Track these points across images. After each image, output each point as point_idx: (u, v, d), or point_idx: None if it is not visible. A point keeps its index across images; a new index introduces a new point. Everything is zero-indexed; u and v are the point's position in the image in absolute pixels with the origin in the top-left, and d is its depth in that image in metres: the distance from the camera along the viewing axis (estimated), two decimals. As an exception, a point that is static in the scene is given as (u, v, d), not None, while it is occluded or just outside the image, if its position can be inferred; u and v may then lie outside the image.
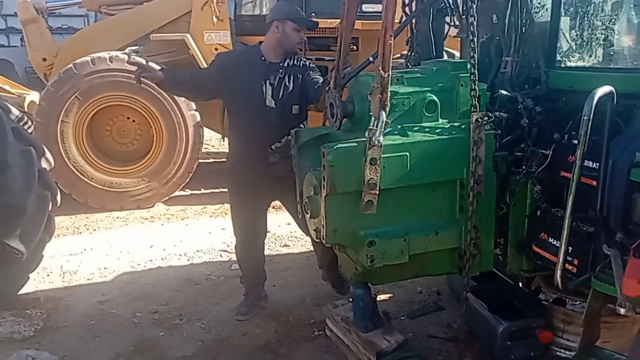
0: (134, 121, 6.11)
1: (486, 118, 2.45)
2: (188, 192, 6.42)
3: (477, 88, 2.47)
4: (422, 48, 3.43)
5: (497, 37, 2.83)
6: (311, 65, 3.58)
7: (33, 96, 6.20)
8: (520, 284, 3.48)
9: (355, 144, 2.36)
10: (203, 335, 3.42)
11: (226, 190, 6.40)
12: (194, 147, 6.02)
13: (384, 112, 2.24)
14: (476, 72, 2.47)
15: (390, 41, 2.25)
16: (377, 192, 2.29)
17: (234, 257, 4.54)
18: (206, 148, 7.61)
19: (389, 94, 2.26)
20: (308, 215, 2.56)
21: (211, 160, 7.81)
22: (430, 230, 2.52)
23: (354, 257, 2.57)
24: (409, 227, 2.49)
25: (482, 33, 2.95)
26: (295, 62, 3.46)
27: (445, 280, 3.89)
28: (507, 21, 2.76)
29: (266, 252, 4.61)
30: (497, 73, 2.83)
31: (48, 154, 3.64)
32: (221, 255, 4.67)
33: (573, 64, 2.71)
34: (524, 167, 2.61)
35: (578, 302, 3.01)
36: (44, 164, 3.51)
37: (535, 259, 2.64)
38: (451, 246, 2.61)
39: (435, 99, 2.52)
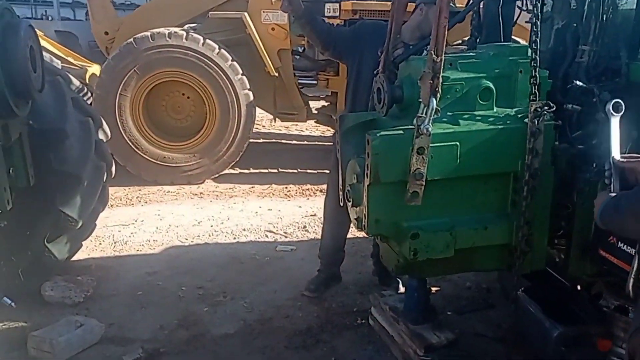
0: (188, 97, 6.17)
1: (546, 108, 2.28)
2: (237, 170, 6.45)
3: (537, 75, 2.30)
4: (489, 34, 3.26)
5: (575, 24, 2.64)
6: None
7: (94, 69, 6.34)
8: (579, 288, 3.32)
9: (401, 132, 2.23)
10: (245, 314, 3.42)
11: (274, 170, 6.58)
12: (246, 127, 6.03)
13: (434, 99, 2.10)
14: (537, 57, 2.29)
15: (444, 23, 2.10)
16: (424, 183, 2.17)
17: (280, 238, 4.58)
18: (257, 128, 7.63)
19: (440, 79, 2.12)
20: (350, 204, 2.46)
21: (262, 140, 7.82)
22: (479, 225, 2.39)
23: (396, 249, 2.46)
24: (456, 220, 2.36)
25: (558, 19, 2.77)
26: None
27: (496, 277, 3.74)
28: (586, 7, 2.57)
29: (311, 237, 4.63)
30: (572, 62, 2.65)
31: (105, 126, 3.70)
32: (267, 236, 4.66)
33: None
34: (595, 165, 2.44)
35: (642, 312, 2.81)
36: (101, 136, 3.57)
37: (601, 263, 2.46)
38: (501, 242, 2.46)
39: (490, 85, 2.36)
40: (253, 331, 3.23)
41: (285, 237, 4.65)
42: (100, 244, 4.37)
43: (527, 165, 2.31)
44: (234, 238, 4.61)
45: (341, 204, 2.68)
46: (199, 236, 4.62)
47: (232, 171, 6.33)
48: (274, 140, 8.14)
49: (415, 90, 2.30)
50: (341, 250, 3.76)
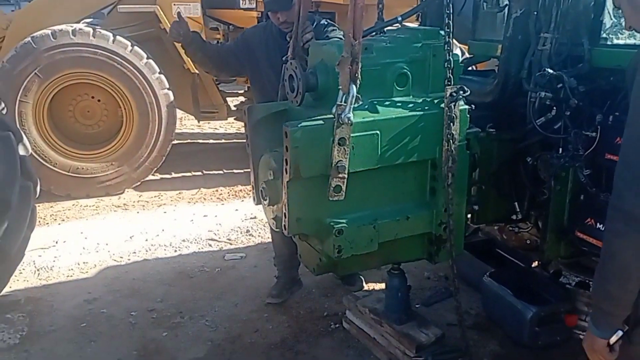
0: (99, 101, 5.63)
1: (461, 92, 2.28)
2: (158, 176, 6.03)
3: (451, 59, 2.30)
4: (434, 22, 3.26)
5: (535, 12, 2.69)
6: (328, 23, 3.34)
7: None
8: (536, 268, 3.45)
9: (321, 122, 2.09)
10: (211, 333, 3.17)
11: (199, 173, 6.23)
12: (168, 129, 5.62)
13: (354, 86, 2.00)
14: (451, 41, 2.30)
15: (361, 4, 1.98)
16: (346, 176, 2.07)
17: (225, 246, 4.33)
18: (178, 128, 7.15)
19: (360, 64, 2.01)
20: (266, 202, 2.31)
21: (182, 141, 7.37)
22: (400, 215, 2.35)
23: (317, 247, 2.35)
24: (378, 213, 2.30)
25: (515, 7, 2.81)
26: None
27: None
28: (546, -5, 2.62)
29: (257, 241, 4.43)
30: (534, 50, 2.70)
31: (25, 140, 3.23)
32: (210, 245, 4.38)
33: (620, 42, 2.60)
34: (570, 150, 2.51)
35: (603, 286, 2.97)
36: (22, 151, 3.10)
37: (578, 244, 2.55)
38: (422, 231, 2.46)
39: (407, 70, 2.32)
40: (224, 352, 3.00)
41: (231, 244, 4.40)
42: (21, 273, 3.84)
43: (446, 150, 2.30)
44: (175, 251, 4.28)
45: (255, 203, 2.55)
46: (134, 252, 4.23)
47: (153, 177, 5.90)
48: (195, 141, 7.72)
49: (330, 77, 2.20)
50: (297, 253, 3.59)
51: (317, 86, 2.25)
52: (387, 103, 2.29)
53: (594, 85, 2.57)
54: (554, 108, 2.64)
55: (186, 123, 8.34)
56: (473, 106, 2.51)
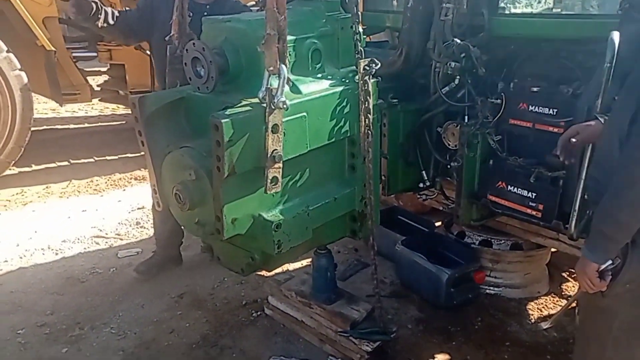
0: None
1: (373, 64, 2.27)
2: (17, 170, 5.29)
3: (360, 31, 2.27)
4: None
5: (435, -17, 2.72)
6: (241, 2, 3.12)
7: None
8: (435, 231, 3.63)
9: (250, 109, 1.91)
10: (120, 342, 2.86)
11: (66, 162, 5.60)
12: (24, 116, 4.93)
13: (284, 66, 1.86)
14: (359, 12, 2.29)
15: None
16: (282, 166, 1.94)
17: (115, 243, 3.97)
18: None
19: (287, 42, 1.88)
20: (184, 206, 2.04)
21: (44, 127, 6.52)
22: (328, 198, 2.30)
23: (248, 246, 2.19)
24: (308, 199, 2.22)
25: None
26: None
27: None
28: (446, -35, 2.66)
29: (150, 232, 4.10)
30: (437, 21, 2.74)
31: None
32: (97, 243, 3.95)
33: (518, 11, 2.73)
34: (479, 117, 2.62)
35: (503, 241, 3.22)
36: None
37: (492, 207, 2.69)
38: (348, 210, 2.44)
39: (319, 45, 2.25)
40: (140, 359, 2.73)
41: (121, 239, 4.00)
42: None
43: (364, 125, 2.29)
44: (56, 254, 3.78)
45: (159, 208, 2.31)
46: (6, 261, 3.67)
47: (12, 172, 5.16)
48: (54, 127, 6.88)
49: (241, 57, 2.05)
50: (178, 232, 3.50)
51: (227, 68, 2.05)
52: (306, 81, 2.17)
53: (495, 53, 2.69)
54: (457, 77, 2.73)
55: (37, 107, 7.35)
56: (380, 78, 2.50)
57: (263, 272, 3.35)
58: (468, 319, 3.01)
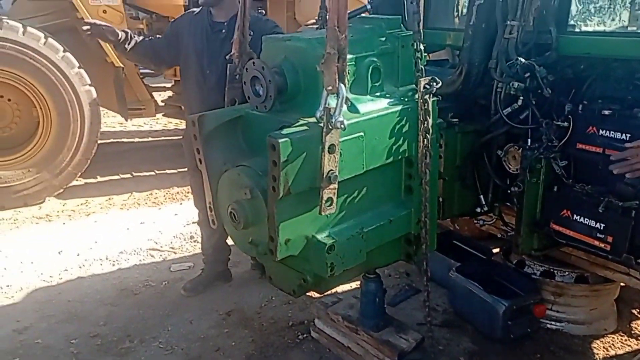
0: (9, 100, 5.03)
1: (434, 83, 2.18)
2: (83, 181, 5.52)
3: (421, 49, 2.18)
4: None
5: (500, 0, 2.61)
6: (265, 18, 3.16)
7: None
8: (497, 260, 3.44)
9: (307, 129, 1.87)
10: (167, 357, 2.87)
11: (129, 175, 5.80)
12: (92, 129, 5.15)
13: (343, 86, 1.80)
14: (421, 30, 2.20)
15: None
16: (337, 186, 1.88)
17: (169, 256, 4.02)
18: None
19: (347, 61, 1.83)
20: (239, 225, 2.02)
21: (110, 140, 6.81)
22: (384, 220, 2.21)
23: (300, 267, 2.13)
24: (362, 221, 2.13)
25: (479, -7, 2.72)
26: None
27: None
28: (511, -19, 2.54)
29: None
30: (500, 39, 2.62)
31: None
32: (152, 256, 4.03)
33: (589, 29, 2.57)
34: (544, 141, 2.46)
35: (567, 273, 3.00)
36: None
37: (555, 237, 2.51)
38: (404, 232, 2.34)
39: (379, 64, 2.18)
40: (185, 377, 2.73)
41: (175, 253, 4.07)
42: None
43: (422, 146, 2.19)
44: (113, 265, 3.89)
45: (213, 226, 2.30)
46: (66, 270, 3.80)
47: (77, 183, 5.39)
48: (119, 140, 7.18)
49: (299, 76, 2.02)
50: (224, 249, 3.54)
51: (286, 88, 2.03)
52: (364, 100, 2.11)
53: (562, 73, 2.54)
54: (521, 98, 2.59)
55: (106, 121, 7.73)
56: (440, 97, 2.41)
57: (311, 293, 3.29)
58: (526, 354, 2.82)
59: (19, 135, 5.09)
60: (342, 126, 1.79)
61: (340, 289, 3.35)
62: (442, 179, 2.87)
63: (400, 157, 2.21)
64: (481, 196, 2.96)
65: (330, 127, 1.78)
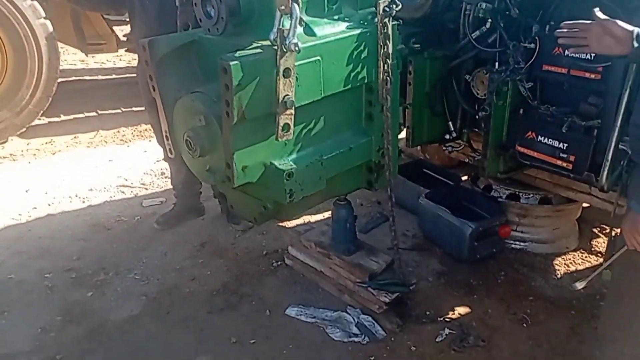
0: (-41, 36, 4.76)
1: (394, 5, 2.12)
2: (46, 120, 5.35)
3: None
4: None
5: None
6: None
7: None
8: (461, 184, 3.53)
9: (261, 52, 1.83)
10: (143, 287, 2.91)
11: (94, 113, 5.64)
12: (51, 65, 4.93)
13: (296, 5, 1.76)
14: None
15: None
16: (294, 112, 1.86)
17: (140, 192, 4.00)
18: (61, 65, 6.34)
19: None
20: (195, 153, 2.00)
21: (72, 78, 6.56)
22: (344, 147, 2.22)
23: (261, 195, 2.15)
24: (322, 148, 2.15)
25: None
26: None
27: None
28: None
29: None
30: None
31: None
32: (123, 192, 3.99)
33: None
34: (510, 63, 2.47)
35: (531, 195, 3.10)
36: None
37: (520, 158, 2.57)
38: (364, 160, 2.37)
39: None
40: (162, 305, 2.78)
41: (146, 189, 4.04)
42: None
43: (383, 71, 2.16)
44: (83, 202, 3.85)
45: (171, 155, 2.29)
46: (35, 208, 3.75)
47: (41, 122, 5.23)
48: (82, 78, 6.91)
49: None
50: (194, 183, 3.48)
51: (239, 9, 1.95)
52: (321, 23, 2.06)
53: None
54: (489, 20, 2.57)
55: (67, 58, 7.43)
56: (401, 21, 2.38)
57: (284, 223, 3.35)
58: (491, 273, 2.95)
59: (-27, 73, 4.85)
60: (297, 48, 1.75)
61: (313, 218, 3.42)
62: (410, 105, 2.88)
63: (359, 84, 2.19)
64: (450, 122, 2.99)
65: (285, 50, 1.74)
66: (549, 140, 2.43)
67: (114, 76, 7.08)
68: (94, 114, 5.62)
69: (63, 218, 3.63)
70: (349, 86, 2.13)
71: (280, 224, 3.36)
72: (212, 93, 1.91)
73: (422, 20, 2.84)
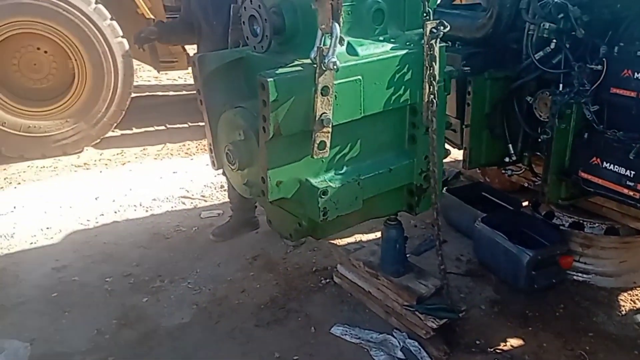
0: (46, 52, 5.13)
1: (441, 27, 2.09)
2: (119, 132, 5.66)
3: None
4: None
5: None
6: None
7: None
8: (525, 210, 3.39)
9: (301, 69, 1.85)
10: (195, 296, 2.98)
11: (163, 127, 5.90)
12: (126, 81, 5.23)
13: (337, 25, 1.77)
14: None
15: None
16: (331, 130, 1.86)
17: (199, 204, 4.11)
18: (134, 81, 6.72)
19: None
20: (234, 167, 2.07)
21: (144, 94, 6.92)
22: (383, 168, 2.19)
23: (296, 211, 2.15)
24: (360, 167, 2.13)
25: None
26: None
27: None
28: None
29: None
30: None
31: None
32: (183, 203, 4.14)
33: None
34: (575, 85, 2.37)
35: (597, 225, 2.93)
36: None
37: (583, 185, 2.45)
38: (405, 183, 2.32)
39: (383, 5, 2.11)
40: (212, 315, 2.83)
41: (205, 201, 4.16)
42: (-22, 242, 3.53)
43: (428, 93, 2.13)
44: (147, 211, 4.02)
45: (215, 168, 2.34)
46: (102, 215, 3.95)
47: (114, 134, 5.53)
48: (155, 93, 7.28)
49: (298, 16, 1.98)
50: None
51: (284, 28, 2.00)
52: (365, 43, 2.07)
53: (597, 13, 2.41)
54: (553, 41, 2.49)
55: (142, 75, 7.86)
56: (449, 43, 2.34)
57: (336, 240, 3.34)
58: (549, 304, 2.80)
59: (57, 87, 5.21)
60: (335, 67, 1.76)
61: (365, 237, 3.40)
62: (468, 126, 2.82)
63: (403, 105, 2.17)
64: (510, 145, 2.89)
65: (323, 68, 1.75)
66: (615, 167, 2.30)
67: (184, 92, 7.39)
68: (162, 127, 5.89)
69: (127, 225, 3.80)
70: (391, 107, 2.12)
71: (332, 241, 3.36)
72: (253, 109, 1.96)
73: (483, 40, 2.79)
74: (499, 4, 2.66)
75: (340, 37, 1.78)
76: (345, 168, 2.09)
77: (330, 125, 1.84)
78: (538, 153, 2.83)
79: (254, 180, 2.02)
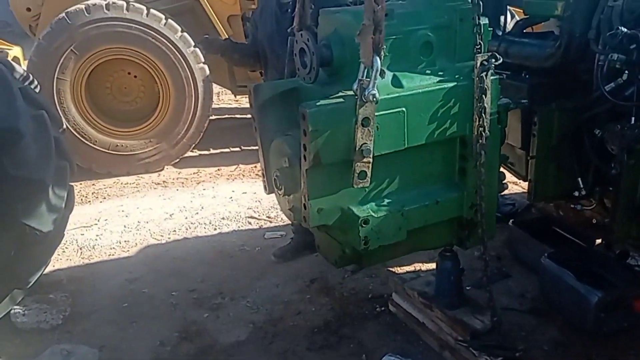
0: (135, 77, 5.56)
1: (493, 60, 2.06)
2: (197, 153, 5.96)
3: (481, 23, 2.06)
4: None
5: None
6: None
7: (16, 51, 5.60)
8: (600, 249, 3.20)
9: (341, 101, 1.90)
10: (252, 315, 3.07)
11: (237, 149, 6.15)
12: (205, 104, 5.52)
13: (378, 58, 1.79)
14: (480, 3, 2.05)
15: None
16: (371, 160, 1.88)
17: (265, 224, 4.22)
18: (216, 104, 7.07)
19: (383, 33, 1.80)
20: (281, 192, 2.13)
21: (220, 117, 7.27)
22: (429, 200, 2.17)
23: (340, 239, 2.18)
24: (405, 198, 2.12)
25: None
26: None
27: (502, 242, 3.58)
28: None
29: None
30: (604, 8, 2.42)
31: (61, 118, 3.15)
32: (250, 223, 4.28)
33: None
34: (646, 119, 2.25)
35: (676, 268, 2.71)
36: (56, 131, 3.02)
37: (656, 225, 2.30)
38: (453, 216, 2.27)
39: (431, 38, 2.10)
40: (266, 334, 2.90)
41: (270, 222, 4.28)
42: (64, 252, 3.83)
43: (477, 126, 2.09)
44: (215, 229, 4.20)
45: (266, 192, 2.40)
46: (174, 231, 4.17)
47: (192, 154, 5.83)
48: (233, 116, 7.62)
49: (346, 49, 2.01)
50: None
51: (332, 60, 2.07)
52: (411, 75, 2.09)
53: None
54: (626, 72, 2.37)
55: (224, 98, 8.24)
56: (503, 76, 2.30)
57: (393, 268, 3.32)
58: (619, 349, 2.62)
59: (143, 109, 5.61)
60: (374, 99, 1.79)
61: (424, 266, 3.35)
62: (533, 158, 2.74)
63: (451, 137, 2.16)
64: (579, 179, 2.77)
65: (364, 100, 1.79)
66: (690, 207, 2.14)
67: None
68: (237, 149, 6.13)
69: (195, 242, 3.99)
70: (438, 139, 2.12)
71: (389, 268, 3.34)
72: (298, 137, 2.02)
73: (551, 70, 2.72)
74: (568, 34, 2.59)
75: (382, 69, 1.81)
76: (388, 198, 2.10)
77: (371, 156, 1.87)
78: (610, 188, 2.69)
79: (298, 206, 2.08)
